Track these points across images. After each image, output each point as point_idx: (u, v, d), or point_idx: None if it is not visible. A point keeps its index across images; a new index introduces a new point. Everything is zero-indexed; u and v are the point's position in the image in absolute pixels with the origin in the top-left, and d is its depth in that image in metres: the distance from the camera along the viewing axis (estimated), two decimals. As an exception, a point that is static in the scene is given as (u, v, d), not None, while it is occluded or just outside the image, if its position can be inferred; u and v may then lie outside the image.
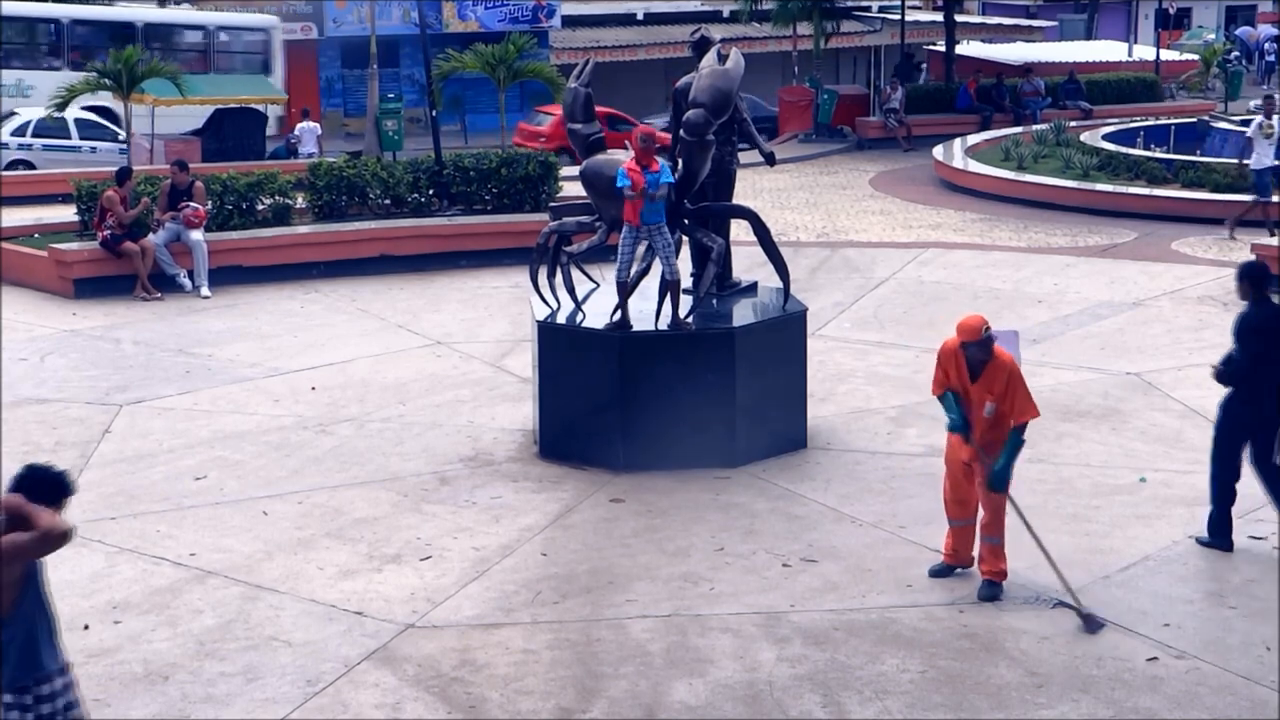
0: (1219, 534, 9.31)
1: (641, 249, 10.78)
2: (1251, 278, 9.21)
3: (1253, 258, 9.68)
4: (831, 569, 9.04)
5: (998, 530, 8.57)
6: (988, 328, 8.38)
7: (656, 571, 9.05)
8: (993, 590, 8.55)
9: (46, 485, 5.64)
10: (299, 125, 29.22)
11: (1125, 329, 14.93)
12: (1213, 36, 53.81)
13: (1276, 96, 21.41)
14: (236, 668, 7.81)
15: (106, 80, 24.03)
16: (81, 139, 27.66)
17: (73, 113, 27.22)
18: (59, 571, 9.05)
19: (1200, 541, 9.35)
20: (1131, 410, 12.14)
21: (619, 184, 10.35)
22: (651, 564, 9.17)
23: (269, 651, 7.98)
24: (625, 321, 10.71)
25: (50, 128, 27.28)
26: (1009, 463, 8.43)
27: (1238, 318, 9.29)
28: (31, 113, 27.69)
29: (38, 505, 5.48)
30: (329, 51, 38.98)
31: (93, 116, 28.31)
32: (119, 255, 16.86)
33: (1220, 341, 14.38)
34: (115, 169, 18.57)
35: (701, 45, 11.48)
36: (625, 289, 10.66)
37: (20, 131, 27.61)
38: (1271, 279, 9.26)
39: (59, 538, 5.41)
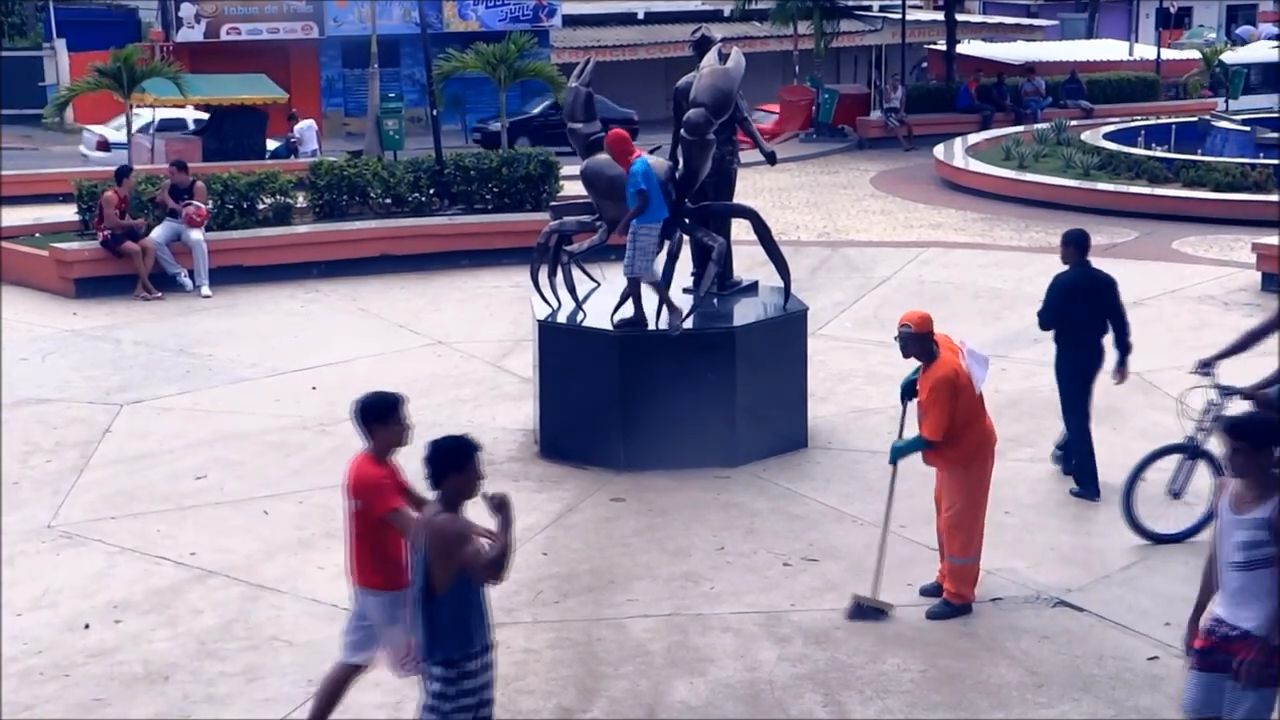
0: (1087, 484, 10.08)
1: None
2: (1076, 244, 10.32)
3: (1078, 227, 11.04)
4: (832, 568, 9.04)
5: (957, 549, 8.29)
6: (907, 325, 8.12)
7: (657, 571, 9.05)
8: (943, 609, 8.31)
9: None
10: (298, 125, 29.24)
11: (1126, 328, 14.91)
12: (1214, 35, 53.84)
13: None
14: (237, 667, 7.81)
15: (107, 80, 24.03)
16: None
17: (191, 113, 28.13)
18: (59, 571, 9.09)
19: (1073, 493, 10.07)
20: (1132, 410, 12.13)
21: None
22: (652, 563, 9.17)
23: (270, 651, 7.98)
24: (641, 319, 10.74)
25: (172, 126, 27.80)
26: (906, 448, 8.28)
27: (1058, 277, 10.34)
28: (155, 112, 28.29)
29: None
30: (330, 51, 38.99)
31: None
32: (119, 255, 16.86)
33: (1221, 341, 14.40)
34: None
35: (702, 44, 11.48)
36: (636, 286, 10.73)
37: (145, 130, 28.02)
38: (1089, 246, 10.35)
39: (489, 570, 5.77)
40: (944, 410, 8.02)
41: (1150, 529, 9.37)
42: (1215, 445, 8.46)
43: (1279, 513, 5.85)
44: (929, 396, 8.07)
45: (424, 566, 5.81)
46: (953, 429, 8.08)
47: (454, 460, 5.86)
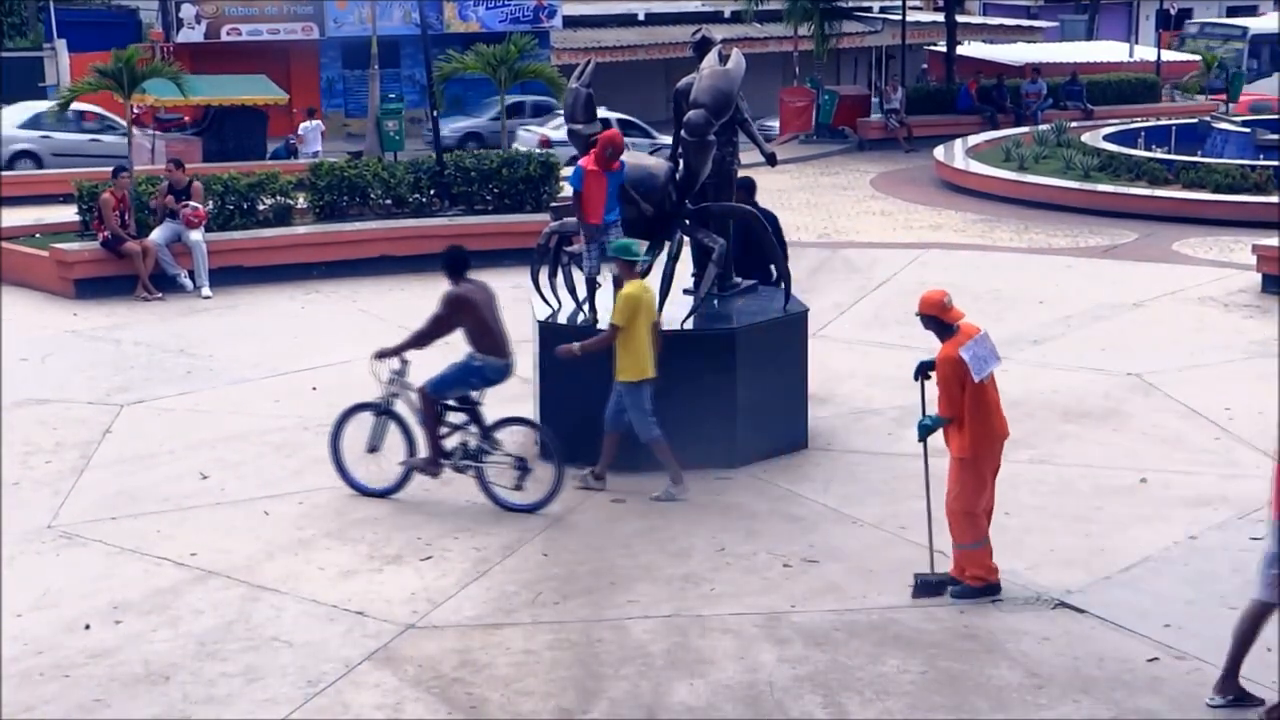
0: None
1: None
2: (745, 188, 11.95)
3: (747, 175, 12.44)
4: (832, 570, 9.03)
5: (956, 535, 8.52)
6: (935, 303, 8.48)
7: (657, 572, 9.04)
8: (964, 590, 8.54)
9: None
10: (302, 125, 29.23)
11: (1126, 330, 14.93)
12: (1213, 37, 53.74)
13: None
14: (237, 668, 7.81)
15: (107, 80, 23.98)
16: None
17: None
18: (60, 572, 9.10)
19: None
20: (1133, 411, 12.13)
21: (570, 180, 10.66)
22: (652, 565, 9.16)
23: (270, 652, 7.98)
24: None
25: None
26: (932, 425, 8.50)
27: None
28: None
29: None
30: (330, 52, 38.94)
31: None
32: (120, 256, 16.86)
33: (1221, 342, 14.43)
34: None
35: (702, 46, 11.47)
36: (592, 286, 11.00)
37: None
38: (756, 188, 12.10)
39: None
40: (945, 389, 8.38)
41: (362, 484, 10.31)
42: (401, 406, 10.28)
43: None
44: (938, 375, 8.48)
45: None
46: (962, 412, 8.33)
47: None
